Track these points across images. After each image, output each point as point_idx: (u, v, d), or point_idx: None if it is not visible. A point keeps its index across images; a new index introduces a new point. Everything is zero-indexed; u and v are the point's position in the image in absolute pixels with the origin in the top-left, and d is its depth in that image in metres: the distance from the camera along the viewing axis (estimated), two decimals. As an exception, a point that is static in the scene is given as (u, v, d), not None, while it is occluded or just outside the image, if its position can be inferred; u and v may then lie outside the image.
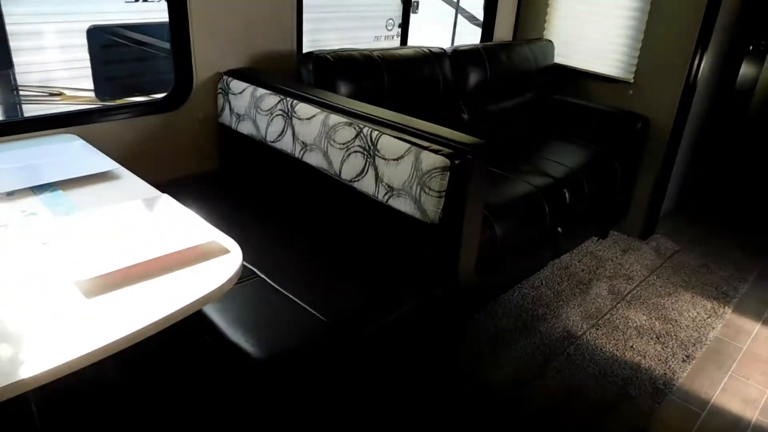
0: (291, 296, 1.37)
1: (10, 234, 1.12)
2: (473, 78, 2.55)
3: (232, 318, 1.30)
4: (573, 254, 2.67)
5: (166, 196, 1.29)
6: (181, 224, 1.17)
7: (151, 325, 0.91)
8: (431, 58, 2.36)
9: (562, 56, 2.96)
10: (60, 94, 3.34)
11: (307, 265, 1.52)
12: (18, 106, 3.09)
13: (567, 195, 2.27)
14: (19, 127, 1.61)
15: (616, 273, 2.57)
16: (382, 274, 1.50)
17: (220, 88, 1.99)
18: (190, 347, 1.38)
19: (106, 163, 1.45)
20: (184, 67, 1.93)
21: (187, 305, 0.95)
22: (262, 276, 1.45)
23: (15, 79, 3.15)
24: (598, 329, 2.18)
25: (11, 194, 1.27)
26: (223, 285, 1.01)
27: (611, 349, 2.08)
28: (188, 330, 1.32)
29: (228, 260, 1.07)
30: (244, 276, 1.45)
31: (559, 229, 2.27)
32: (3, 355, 0.82)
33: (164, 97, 1.97)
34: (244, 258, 1.50)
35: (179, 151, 2.00)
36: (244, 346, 1.22)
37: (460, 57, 2.50)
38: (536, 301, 2.31)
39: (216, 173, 2.06)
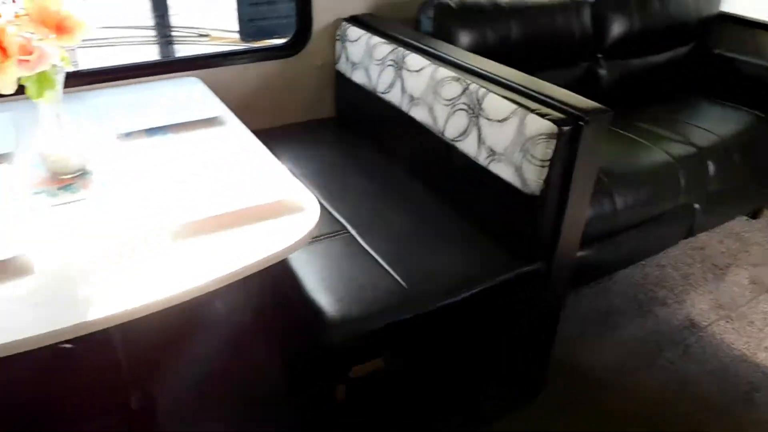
0: (376, 256, 1.36)
1: (112, 176, 1.20)
2: (617, 28, 2.28)
3: (314, 272, 1.32)
4: (712, 233, 2.37)
5: (262, 147, 1.31)
6: (270, 177, 1.19)
7: (227, 275, 0.95)
8: (569, 5, 2.13)
9: (731, 4, 2.53)
10: (207, 36, 3.54)
11: (400, 225, 1.49)
12: (170, 46, 3.35)
13: (711, 167, 1.99)
14: (148, 69, 1.72)
15: (763, 260, 2.24)
16: (474, 242, 1.43)
17: (338, 35, 1.97)
18: (273, 299, 1.44)
19: (217, 109, 1.50)
20: (304, 12, 1.93)
21: (256, 261, 0.97)
22: (353, 232, 1.45)
23: (169, 22, 3.40)
24: (728, 322, 1.94)
25: (128, 135, 1.37)
26: (293, 245, 1.00)
27: (741, 347, 1.84)
28: (274, 279, 1.37)
29: (303, 219, 1.06)
30: (334, 230, 1.46)
31: (697, 205, 2.00)
32: (88, 292, 0.89)
33: (284, 42, 2.00)
34: (339, 211, 1.53)
35: (294, 98, 2.03)
36: (321, 303, 1.23)
37: (603, 4, 2.24)
38: (658, 283, 2.09)
39: (328, 122, 2.08)
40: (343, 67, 1.97)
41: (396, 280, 1.30)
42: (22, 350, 0.80)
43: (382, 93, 1.76)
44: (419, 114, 1.61)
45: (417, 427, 1.47)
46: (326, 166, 1.79)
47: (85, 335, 0.86)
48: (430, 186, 1.63)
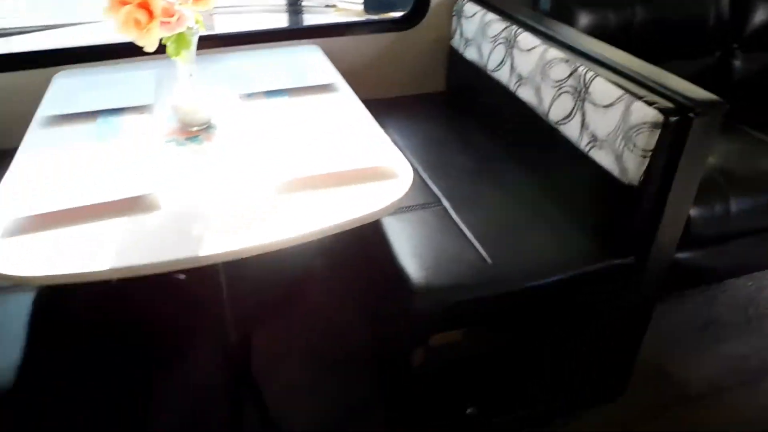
0: (466, 231, 1.40)
1: (232, 131, 1.33)
2: (760, 15, 2.10)
3: (405, 239, 1.38)
4: None
5: (369, 115, 1.38)
6: (371, 144, 1.25)
7: (323, 228, 1.03)
8: (705, -12, 1.99)
9: None
10: (333, 6, 3.68)
11: (493, 203, 1.51)
12: (297, 15, 3.52)
13: None
14: (274, 35, 1.85)
15: None
16: (566, 228, 1.42)
17: (455, 11, 1.98)
18: (365, 262, 1.52)
19: (331, 77, 1.59)
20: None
21: (349, 220, 1.04)
22: (446, 205, 1.49)
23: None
24: None
25: (250, 95, 1.50)
26: (383, 209, 1.07)
27: None
28: (368, 242, 1.45)
29: (396, 186, 1.12)
30: (429, 202, 1.51)
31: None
32: (204, 231, 1.01)
33: (402, 15, 2.05)
34: (436, 184, 1.58)
35: (407, 71, 2.09)
36: (409, 269, 1.29)
37: (748, -13, 2.06)
38: (773, 297, 1.94)
39: (437, 97, 2.11)
40: (457, 42, 1.99)
41: (482, 256, 1.34)
42: (143, 274, 0.94)
43: (492, 71, 1.77)
44: (525, 94, 1.60)
45: (494, 409, 1.51)
46: (429, 139, 1.84)
47: (197, 268, 0.98)
48: (527, 167, 1.63)
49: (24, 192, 1.08)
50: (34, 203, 1.04)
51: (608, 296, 1.43)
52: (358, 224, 1.07)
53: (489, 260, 1.32)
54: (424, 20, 2.01)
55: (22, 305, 1.19)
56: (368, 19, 3.08)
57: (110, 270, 0.91)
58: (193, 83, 1.30)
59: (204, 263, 0.96)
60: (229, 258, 0.98)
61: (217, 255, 0.97)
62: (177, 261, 0.94)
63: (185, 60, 1.24)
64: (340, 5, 3.64)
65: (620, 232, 1.37)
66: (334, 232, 1.05)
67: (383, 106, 1.94)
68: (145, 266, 0.93)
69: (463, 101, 2.03)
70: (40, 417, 1.15)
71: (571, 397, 1.60)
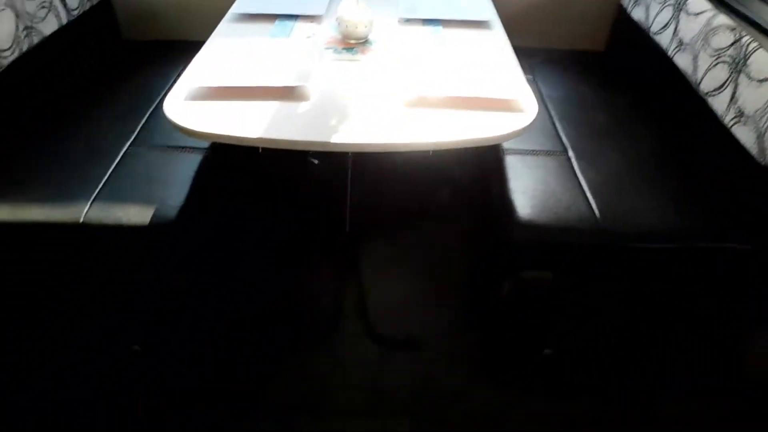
0: (583, 182, 1.43)
1: (385, 48, 1.46)
2: None
3: (522, 177, 1.45)
4: None
5: (513, 55, 1.43)
6: (508, 80, 1.31)
7: (448, 141, 1.14)
8: None
9: None
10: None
11: (619, 163, 1.51)
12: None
13: None
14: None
15: None
16: (687, 200, 1.39)
17: (632, -33, 1.92)
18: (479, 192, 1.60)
19: (488, 15, 1.65)
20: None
21: (471, 139, 1.14)
22: (571, 155, 1.52)
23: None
24: None
25: (408, 21, 1.61)
26: (502, 135, 1.15)
27: None
28: (487, 172, 1.53)
29: (520, 119, 1.18)
30: (555, 150, 1.55)
31: None
32: (336, 123, 1.17)
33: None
34: (567, 135, 1.61)
35: (568, 25, 2.07)
36: (516, 203, 1.37)
37: None
38: None
39: (593, 55, 2.07)
40: (626, 0, 1.93)
41: (592, 208, 1.37)
42: (282, 147, 1.11)
43: (654, 33, 1.71)
44: (681, 60, 1.55)
45: (570, 359, 1.55)
46: (574, 93, 1.83)
47: (329, 157, 1.14)
48: (664, 133, 1.60)
49: (207, 70, 1.31)
50: (213, 78, 1.27)
51: (715, 280, 1.39)
52: (479, 144, 1.16)
53: (598, 214, 1.35)
54: (600, -27, 1.97)
55: (191, 162, 1.45)
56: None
57: (259, 139, 1.11)
58: (358, 1, 1.44)
59: (333, 149, 1.12)
60: (355, 149, 1.12)
61: (346, 144, 1.12)
62: (312, 142, 1.11)
63: (355, -23, 1.38)
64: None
65: (746, 214, 1.32)
66: (449, 147, 1.15)
67: (538, 54, 1.97)
68: (285, 141, 1.11)
69: (617, 62, 1.98)
70: (193, 247, 1.42)
71: (663, 380, 1.58)
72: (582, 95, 1.82)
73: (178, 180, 1.40)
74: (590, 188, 1.42)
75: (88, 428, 1.40)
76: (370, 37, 1.50)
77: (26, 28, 1.56)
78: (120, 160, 1.47)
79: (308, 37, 1.51)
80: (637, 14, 1.83)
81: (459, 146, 1.15)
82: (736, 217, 1.33)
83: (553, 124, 1.66)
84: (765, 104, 1.22)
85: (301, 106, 1.21)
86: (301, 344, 1.63)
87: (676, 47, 1.58)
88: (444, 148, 1.16)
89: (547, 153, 1.55)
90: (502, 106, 1.22)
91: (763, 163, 1.22)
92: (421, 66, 1.36)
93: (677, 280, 1.41)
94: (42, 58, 1.64)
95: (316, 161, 1.36)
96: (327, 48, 1.46)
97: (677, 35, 1.58)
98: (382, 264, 1.81)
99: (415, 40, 1.51)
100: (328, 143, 1.11)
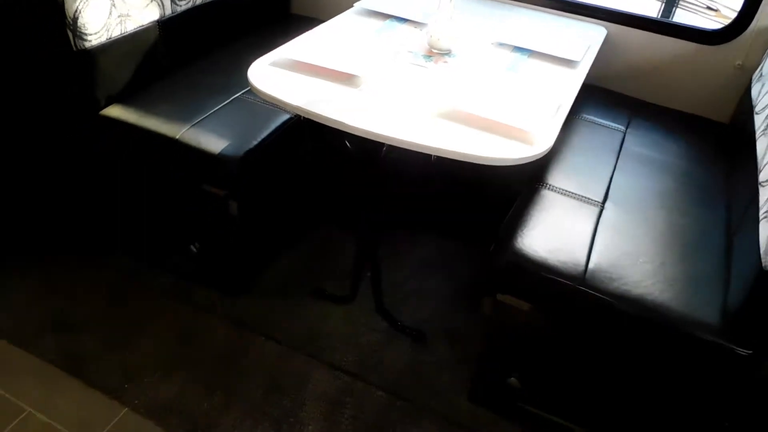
0: (598, 238, 1.43)
1: (460, 63, 1.61)
2: None
3: (544, 210, 1.50)
4: None
5: (571, 97, 1.49)
6: (542, 114, 1.38)
7: (455, 151, 1.26)
8: None
9: None
10: (716, 11, 3.36)
11: (650, 236, 1.45)
12: (672, 8, 3.34)
13: None
14: (567, 6, 1.98)
15: None
16: (700, 287, 1.33)
17: (773, 42, 1.79)
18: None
19: (577, 56, 1.69)
20: (752, 4, 1.80)
21: (474, 155, 1.25)
22: (605, 208, 1.52)
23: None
24: None
25: (500, 45, 1.73)
26: (502, 158, 1.25)
27: None
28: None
29: (528, 151, 1.27)
30: (592, 199, 1.54)
31: None
32: (380, 115, 1.35)
33: (712, 29, 1.93)
34: (619, 192, 1.57)
35: (689, 87, 1.97)
36: (521, 228, 1.44)
37: None
38: None
39: (713, 126, 1.95)
40: (756, 77, 1.81)
41: (588, 260, 1.36)
42: (326, 124, 1.33)
43: (756, 111, 1.61)
44: (760, 143, 1.46)
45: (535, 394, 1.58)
46: (668, 155, 1.75)
47: (363, 139, 1.32)
48: (716, 215, 1.52)
49: (302, 46, 1.59)
50: (300, 54, 1.54)
51: (700, 374, 1.32)
52: (480, 162, 1.26)
53: (590, 266, 1.35)
54: (736, 41, 1.86)
55: (278, 120, 1.76)
56: (673, 21, 2.82)
57: (304, 110, 1.34)
58: (451, 16, 1.60)
59: (367, 136, 1.30)
60: (385, 141, 1.28)
61: (378, 135, 1.29)
62: (350, 126, 1.30)
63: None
64: (723, 11, 3.33)
65: (753, 318, 1.24)
66: (449, 156, 1.27)
67: (652, 111, 1.93)
68: (325, 117, 1.32)
69: (731, 138, 1.85)
70: (248, 185, 1.74)
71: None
72: (674, 161, 1.73)
73: (258, 130, 1.72)
74: (601, 244, 1.41)
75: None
76: (454, 51, 1.66)
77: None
78: (230, 101, 1.83)
79: (404, 39, 1.71)
80: (754, 91, 1.72)
81: (457, 158, 1.27)
82: (745, 319, 1.25)
83: (612, 174, 1.65)
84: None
85: (359, 94, 1.42)
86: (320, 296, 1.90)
87: (765, 129, 1.49)
88: (458, 158, 1.27)
89: (584, 200, 1.55)
90: (517, 135, 1.31)
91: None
92: (474, 84, 1.49)
93: (659, 362, 1.35)
94: (213, 13, 2.07)
95: (349, 145, 1.55)
96: (409, 51, 1.65)
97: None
98: (394, 258, 2.03)
99: (492, 62, 1.63)
100: (363, 130, 1.29)
